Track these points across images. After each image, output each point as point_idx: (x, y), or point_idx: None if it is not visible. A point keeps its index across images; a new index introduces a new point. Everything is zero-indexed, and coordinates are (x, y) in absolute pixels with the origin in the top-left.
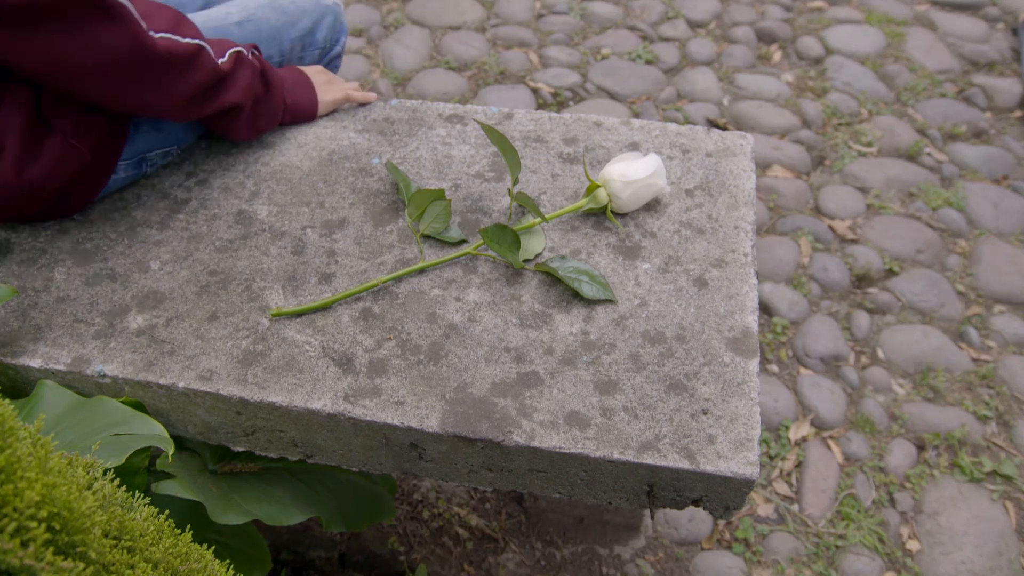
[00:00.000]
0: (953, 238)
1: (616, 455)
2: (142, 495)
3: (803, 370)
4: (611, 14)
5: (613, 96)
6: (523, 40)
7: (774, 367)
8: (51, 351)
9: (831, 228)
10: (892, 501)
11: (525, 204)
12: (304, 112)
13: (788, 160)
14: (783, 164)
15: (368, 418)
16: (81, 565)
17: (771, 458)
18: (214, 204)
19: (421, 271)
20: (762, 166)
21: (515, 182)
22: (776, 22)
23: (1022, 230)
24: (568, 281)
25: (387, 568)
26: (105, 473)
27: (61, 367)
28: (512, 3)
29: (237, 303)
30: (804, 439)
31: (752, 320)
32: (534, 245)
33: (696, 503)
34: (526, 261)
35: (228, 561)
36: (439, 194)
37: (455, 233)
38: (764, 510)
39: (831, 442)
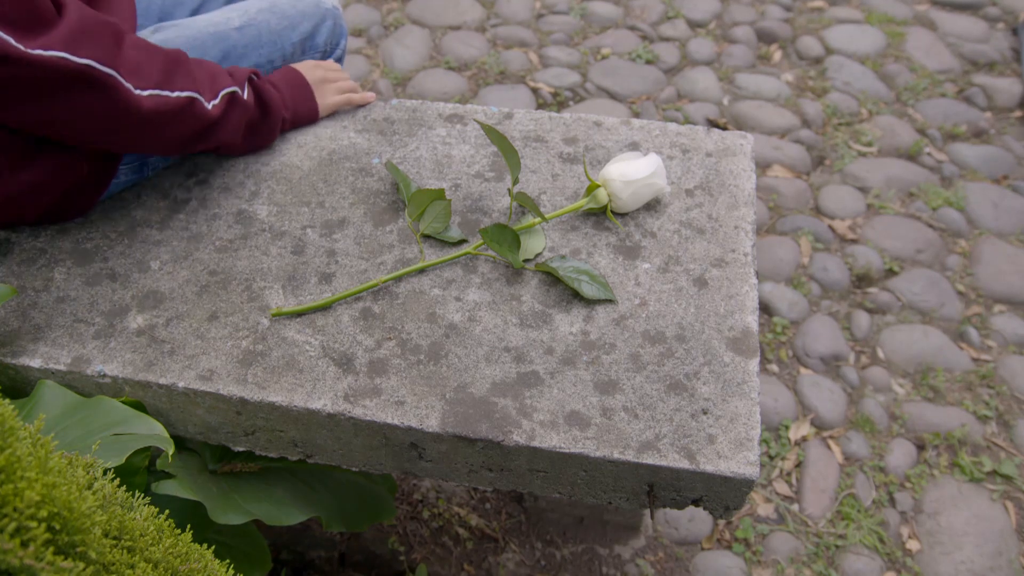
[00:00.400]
0: (953, 238)
1: (616, 455)
2: (142, 495)
3: (803, 370)
4: (611, 14)
5: (613, 96)
6: (523, 40)
7: (774, 367)
8: (51, 351)
9: (831, 228)
10: (892, 501)
11: (525, 204)
12: (304, 122)
13: (788, 160)
14: (783, 164)
15: (368, 418)
16: (81, 565)
17: (771, 458)
18: (214, 204)
19: (421, 271)
20: (762, 166)
21: (515, 182)
22: (776, 22)
23: (1022, 230)
24: (568, 281)
25: (387, 568)
26: (105, 473)
27: (61, 367)
28: (512, 3)
29: (237, 303)
30: (804, 439)
31: (752, 320)
32: (534, 245)
33: (696, 503)
34: (526, 261)
35: (228, 561)
36: (439, 194)
37: (455, 233)
38: (764, 510)
39: (831, 442)
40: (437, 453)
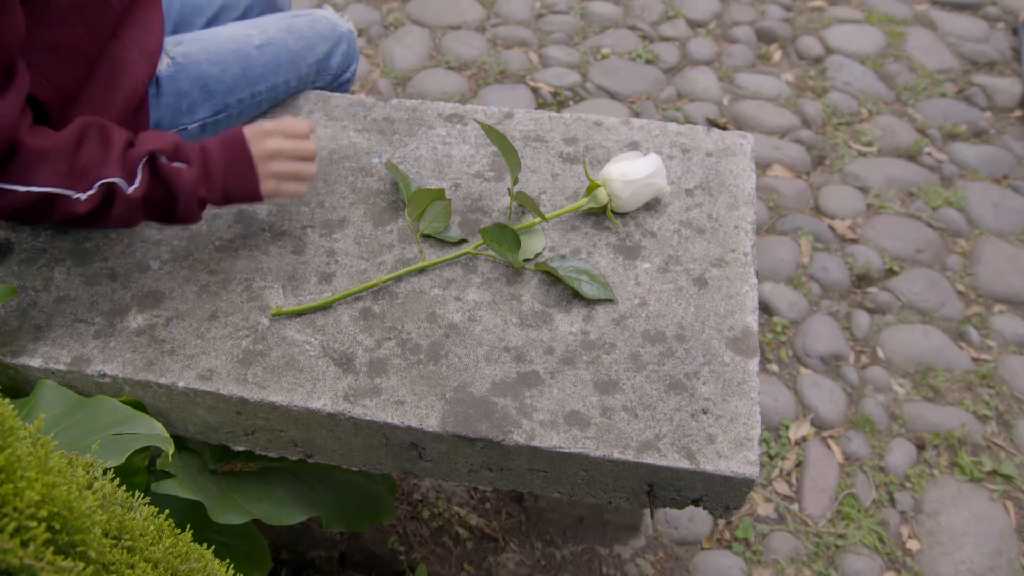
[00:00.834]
0: (953, 238)
1: (616, 455)
2: (142, 495)
3: (803, 370)
4: (611, 14)
5: (613, 96)
6: (523, 40)
7: (774, 367)
8: (51, 351)
9: (831, 228)
10: (892, 501)
11: (525, 204)
12: (241, 200)
13: (788, 160)
14: (783, 164)
15: (368, 418)
16: (81, 565)
17: (771, 458)
18: None
19: (421, 271)
20: (762, 166)
21: (515, 182)
22: (776, 22)
23: (1022, 230)
24: (568, 280)
25: (387, 568)
26: (105, 473)
27: (61, 367)
28: (512, 3)
29: (237, 303)
30: (804, 439)
31: (752, 320)
32: (534, 245)
33: (696, 503)
34: (526, 261)
35: (228, 561)
36: (439, 194)
37: (455, 233)
38: (764, 510)
39: (831, 442)
40: (437, 453)
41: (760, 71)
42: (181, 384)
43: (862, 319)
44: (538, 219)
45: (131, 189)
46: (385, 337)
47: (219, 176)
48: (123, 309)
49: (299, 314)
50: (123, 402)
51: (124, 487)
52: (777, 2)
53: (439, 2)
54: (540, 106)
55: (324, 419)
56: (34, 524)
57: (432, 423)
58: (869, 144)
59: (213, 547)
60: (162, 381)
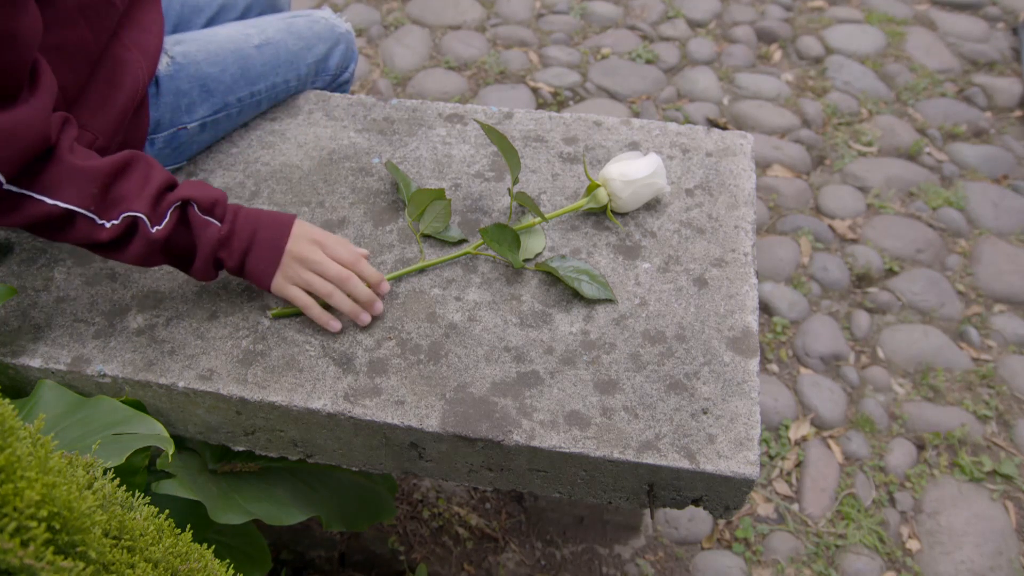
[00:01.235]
0: (953, 238)
1: (616, 455)
2: (142, 495)
3: (803, 370)
4: (611, 13)
5: (613, 96)
6: (523, 40)
7: (774, 367)
8: (51, 351)
9: (831, 228)
10: (892, 501)
11: (525, 203)
12: (251, 279)
13: (788, 160)
14: (783, 164)
15: (368, 418)
16: (81, 565)
17: (771, 458)
18: None
19: (421, 271)
20: (762, 166)
21: (515, 182)
22: (776, 22)
23: (1022, 229)
24: (568, 280)
25: (387, 567)
26: (105, 473)
27: (61, 367)
28: (512, 3)
29: (237, 303)
30: (804, 439)
31: (752, 320)
32: (534, 245)
33: (696, 503)
34: (526, 261)
35: (228, 561)
36: (439, 194)
37: (455, 232)
38: (764, 510)
39: (831, 442)
40: (437, 453)
41: (760, 71)
42: (181, 384)
43: (862, 319)
44: (538, 219)
45: (155, 229)
46: (385, 337)
47: (242, 247)
48: (123, 309)
49: (299, 314)
50: (123, 402)
51: (124, 487)
52: (777, 2)
53: (439, 2)
54: (540, 106)
55: (324, 419)
56: (34, 524)
57: (432, 423)
58: (869, 144)
59: (213, 547)
60: (162, 381)
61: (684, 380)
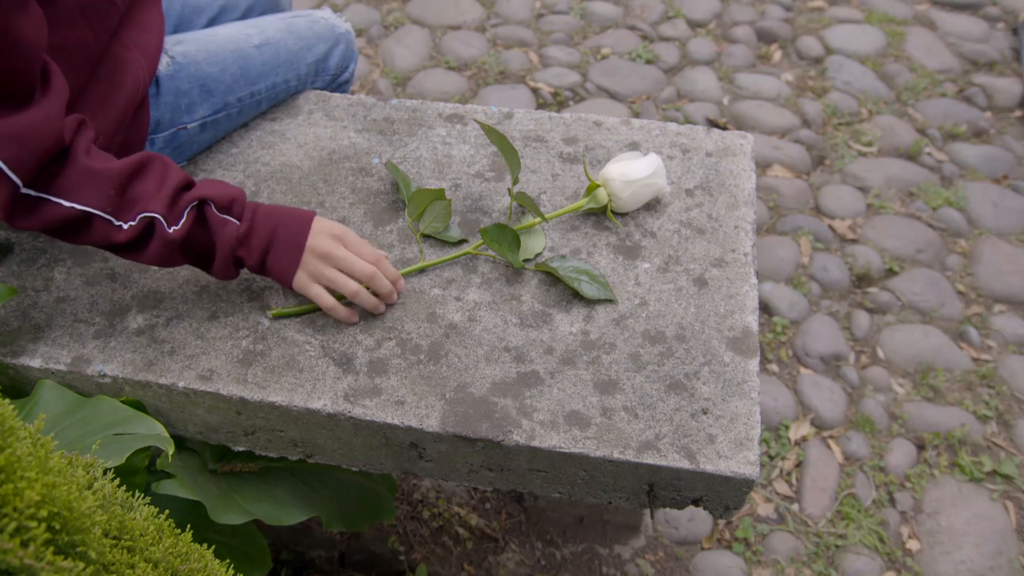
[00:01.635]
0: (953, 238)
1: (616, 455)
2: (142, 495)
3: (803, 370)
4: (611, 14)
5: (613, 96)
6: (523, 40)
7: (774, 367)
8: (51, 351)
9: (831, 228)
10: (892, 501)
11: (525, 203)
12: (272, 276)
13: (788, 160)
14: (783, 164)
15: (368, 418)
16: (81, 565)
17: (771, 458)
18: None
19: (421, 271)
20: (762, 166)
21: (515, 182)
22: (776, 22)
23: (1022, 229)
24: (568, 281)
25: (387, 568)
26: (105, 473)
27: (61, 367)
28: (512, 3)
29: (237, 303)
30: (804, 439)
31: (752, 320)
32: (534, 245)
33: (696, 503)
34: (526, 261)
35: (228, 561)
36: (439, 194)
37: (455, 233)
38: (764, 510)
39: (831, 442)
40: (437, 453)
41: (760, 71)
42: (181, 384)
43: (862, 319)
44: (538, 219)
45: (172, 230)
46: (385, 337)
47: (261, 245)
48: (123, 309)
49: (299, 314)
50: (123, 402)
51: (124, 487)
52: (777, 2)
53: (439, 2)
54: (540, 106)
55: (324, 419)
56: (34, 524)
57: (432, 423)
58: (869, 144)
59: (213, 547)
60: (162, 381)
61: (684, 380)
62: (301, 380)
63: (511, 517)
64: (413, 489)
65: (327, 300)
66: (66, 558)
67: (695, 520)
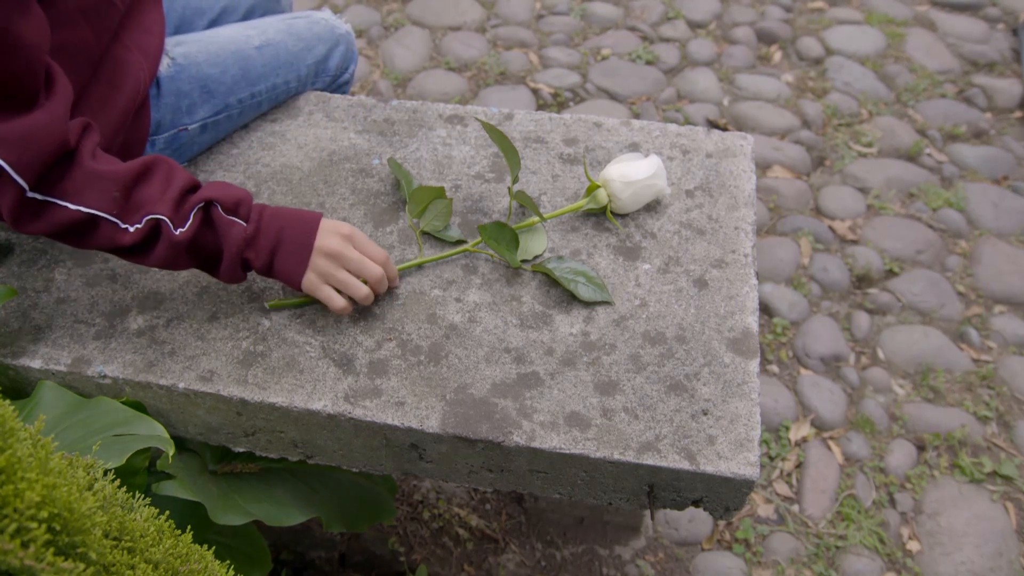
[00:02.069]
0: (953, 238)
1: (616, 456)
2: (142, 495)
3: (803, 370)
4: (611, 15)
5: (613, 96)
6: (523, 40)
7: (774, 367)
8: (51, 352)
9: (831, 228)
10: (892, 501)
11: (524, 202)
12: (280, 279)
13: (788, 160)
14: (783, 164)
15: (368, 419)
16: (81, 566)
17: (771, 458)
18: None
19: (419, 267)
20: (762, 166)
21: (515, 180)
22: (776, 23)
23: (1022, 230)
24: (564, 282)
25: (387, 568)
26: (105, 474)
27: (61, 368)
28: (512, 4)
29: (238, 304)
30: (804, 439)
31: (752, 321)
32: (534, 246)
33: (696, 504)
34: (525, 261)
35: (228, 562)
36: (439, 192)
37: (454, 233)
38: (764, 510)
39: (831, 442)
40: (437, 454)
41: (760, 72)
42: (181, 385)
43: (862, 320)
44: (537, 218)
45: (178, 232)
46: (385, 338)
47: (269, 246)
48: (124, 310)
49: (296, 306)
50: (123, 403)
51: (124, 488)
52: (777, 3)
53: (439, 3)
54: (540, 107)
55: (324, 420)
56: (34, 525)
57: (432, 424)
58: (869, 145)
59: (213, 548)
60: (162, 382)
61: (684, 381)
62: (301, 381)
63: (511, 518)
64: (413, 490)
65: (338, 303)
66: (66, 559)
67: (695, 521)
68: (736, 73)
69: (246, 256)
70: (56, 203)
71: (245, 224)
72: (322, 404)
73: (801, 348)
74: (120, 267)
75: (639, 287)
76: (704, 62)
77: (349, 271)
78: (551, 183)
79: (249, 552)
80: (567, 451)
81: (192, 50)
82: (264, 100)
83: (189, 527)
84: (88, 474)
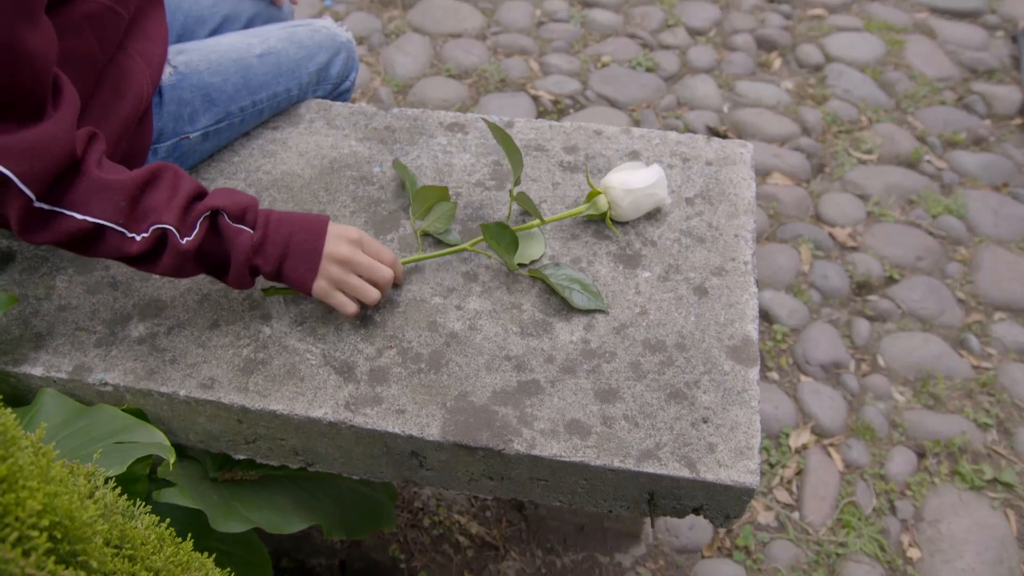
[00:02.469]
0: (953, 245)
1: (616, 463)
2: (143, 503)
3: (803, 377)
4: (611, 22)
5: (613, 103)
6: (523, 48)
7: (774, 374)
8: (52, 359)
9: (831, 235)
10: (893, 509)
11: (524, 205)
12: (290, 285)
13: (788, 167)
14: (783, 171)
15: (369, 426)
16: (82, 574)
17: (771, 465)
18: None
19: (420, 274)
20: (762, 173)
21: (516, 182)
22: (776, 29)
23: (1022, 237)
24: (559, 289)
25: None
26: (106, 482)
27: (62, 375)
28: (512, 11)
29: (238, 311)
30: (804, 446)
31: (752, 328)
32: (532, 250)
33: (696, 511)
34: (522, 266)
35: (229, 569)
36: (443, 192)
37: (455, 238)
38: (765, 518)
39: (831, 449)
40: (438, 461)
41: (760, 79)
42: (182, 393)
43: (862, 327)
44: (537, 221)
45: (185, 240)
46: (386, 346)
47: (277, 252)
48: (125, 318)
49: (293, 293)
50: (124, 411)
51: (125, 496)
52: (777, 10)
53: (440, 10)
54: (540, 114)
55: (325, 428)
56: (36, 534)
57: (433, 432)
58: (869, 152)
59: (214, 555)
60: (163, 390)
61: (684, 389)
62: (302, 389)
63: (511, 525)
64: (414, 497)
65: (350, 308)
66: (67, 567)
67: (695, 528)
68: (736, 80)
69: (254, 263)
70: (63, 213)
71: (252, 231)
72: (323, 412)
73: (801, 355)
74: (121, 274)
75: (639, 295)
76: (704, 69)
77: (359, 275)
78: (551, 191)
79: (250, 559)
80: (567, 459)
81: (194, 58)
82: (265, 108)
83: (190, 535)
84: (89, 482)
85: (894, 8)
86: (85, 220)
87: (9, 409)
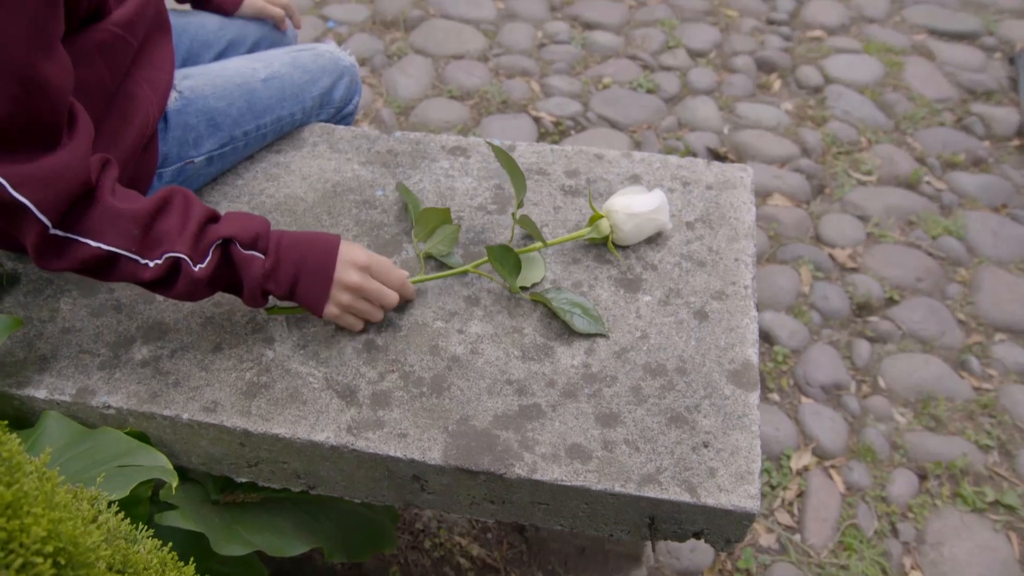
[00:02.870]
0: (953, 266)
1: (617, 488)
2: (146, 527)
3: (804, 399)
4: (612, 44)
5: (614, 125)
6: (525, 69)
7: (775, 396)
8: (56, 382)
9: (831, 256)
10: (894, 531)
11: (527, 227)
12: (302, 305)
13: (788, 189)
14: (783, 193)
15: (371, 450)
16: None
17: (773, 488)
18: None
19: (423, 298)
20: (762, 195)
21: (519, 205)
22: (776, 51)
23: (1022, 258)
24: (560, 313)
25: None
26: (109, 506)
27: (66, 398)
28: (514, 33)
29: (241, 335)
30: (806, 468)
31: (752, 352)
32: (533, 274)
33: (697, 536)
34: (523, 288)
35: None
36: (446, 214)
37: (457, 261)
38: (766, 540)
39: (833, 471)
40: (439, 485)
41: (760, 100)
42: (185, 416)
43: (863, 348)
44: (539, 244)
45: (198, 268)
46: (388, 370)
47: (289, 278)
48: (128, 341)
49: (295, 312)
50: (127, 434)
51: (128, 519)
52: (776, 32)
53: (442, 32)
54: (542, 135)
55: (327, 451)
56: (40, 560)
57: (434, 456)
58: (869, 173)
59: None
60: (166, 413)
61: (685, 413)
62: (305, 412)
63: (512, 547)
64: (415, 519)
65: (358, 328)
66: None
67: (697, 551)
68: (736, 102)
69: (267, 287)
70: (77, 240)
71: (264, 257)
72: (325, 436)
73: (802, 376)
74: (125, 297)
75: (640, 319)
76: (704, 91)
77: (368, 301)
78: (553, 215)
79: None
80: (568, 483)
81: (199, 83)
82: (269, 132)
83: (192, 558)
84: (92, 506)
85: (893, 30)
86: (99, 248)
87: (15, 434)
